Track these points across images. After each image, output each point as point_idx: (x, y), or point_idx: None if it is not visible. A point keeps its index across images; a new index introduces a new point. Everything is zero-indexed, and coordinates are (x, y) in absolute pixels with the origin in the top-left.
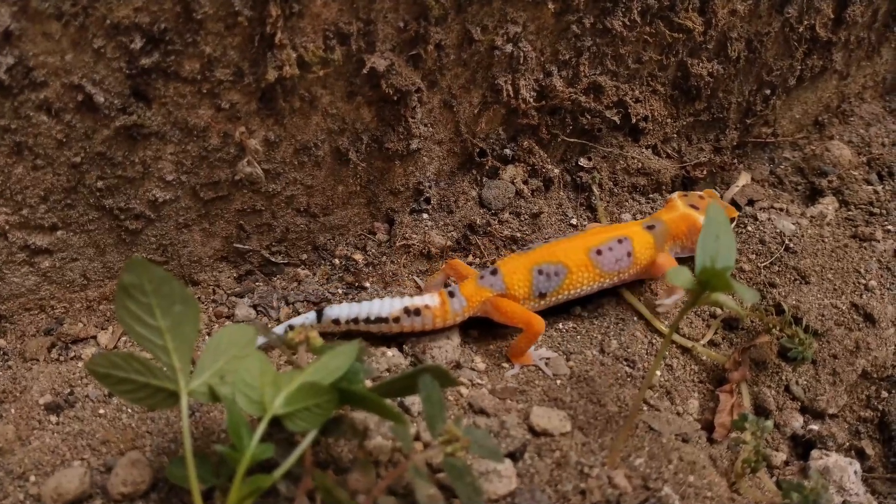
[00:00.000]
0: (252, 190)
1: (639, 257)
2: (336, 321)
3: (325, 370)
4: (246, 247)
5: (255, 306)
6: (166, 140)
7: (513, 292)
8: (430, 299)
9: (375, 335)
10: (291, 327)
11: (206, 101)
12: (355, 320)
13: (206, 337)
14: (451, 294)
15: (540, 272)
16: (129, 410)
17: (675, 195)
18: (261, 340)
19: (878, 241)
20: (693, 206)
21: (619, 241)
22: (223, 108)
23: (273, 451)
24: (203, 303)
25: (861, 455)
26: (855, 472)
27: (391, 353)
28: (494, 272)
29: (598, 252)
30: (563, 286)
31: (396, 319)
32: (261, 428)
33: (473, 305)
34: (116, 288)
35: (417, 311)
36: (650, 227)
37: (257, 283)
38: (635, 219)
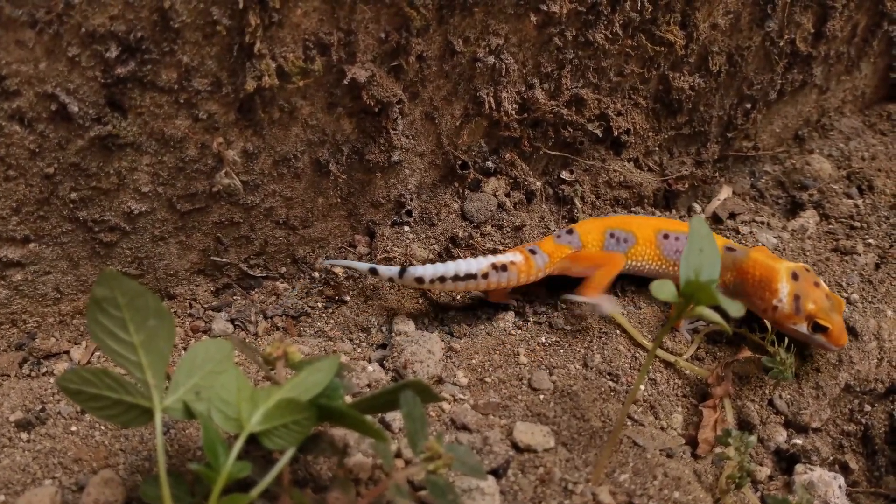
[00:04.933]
0: (230, 202)
1: None
2: (420, 279)
3: (303, 386)
4: (223, 260)
5: (232, 320)
6: (142, 151)
7: (588, 250)
8: (514, 255)
9: (452, 294)
10: (374, 271)
11: (183, 112)
12: (441, 279)
13: (182, 352)
14: (533, 252)
15: (612, 235)
16: (102, 428)
17: (802, 267)
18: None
19: (860, 255)
20: (794, 276)
21: None
22: (201, 118)
23: (250, 469)
24: (179, 317)
25: (845, 469)
26: (840, 487)
27: (371, 368)
28: (570, 231)
29: (665, 236)
30: (627, 254)
31: (485, 275)
32: (237, 445)
33: (554, 262)
34: (88, 302)
35: (504, 267)
36: (729, 249)
37: (235, 297)
38: None
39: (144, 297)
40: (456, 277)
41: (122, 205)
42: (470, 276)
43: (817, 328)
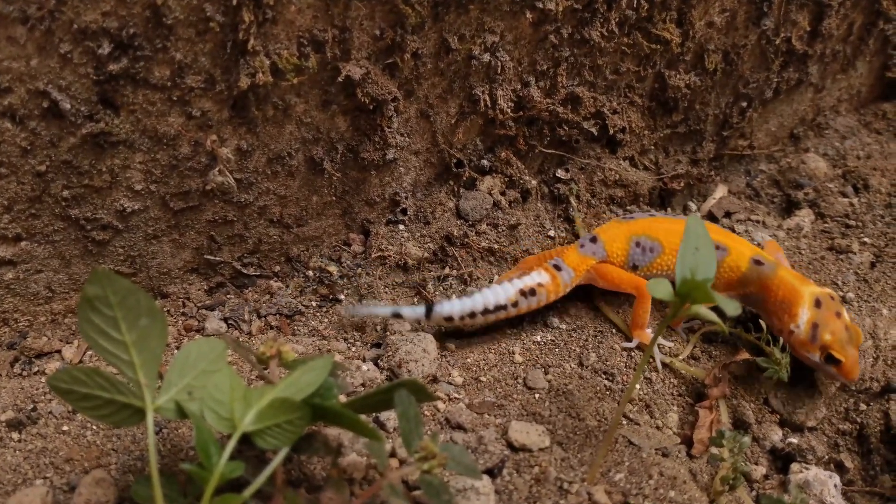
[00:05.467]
0: (224, 200)
1: (721, 272)
2: (449, 318)
3: (297, 385)
4: (217, 258)
5: (226, 319)
6: (135, 148)
7: (612, 259)
8: (540, 276)
9: (483, 325)
10: (398, 315)
11: (176, 109)
12: (471, 314)
13: (175, 351)
14: (557, 267)
15: (637, 244)
16: (94, 427)
17: (828, 294)
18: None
19: (855, 253)
20: (817, 303)
21: (717, 247)
22: (194, 115)
23: (243, 469)
24: (172, 316)
25: (840, 468)
26: (835, 486)
27: (366, 367)
28: (594, 239)
29: None
30: (654, 264)
31: (515, 304)
32: (230, 445)
33: (580, 274)
34: (79, 300)
35: (533, 291)
36: (757, 262)
37: (228, 296)
38: None
39: (136, 296)
40: (486, 311)
41: (115, 203)
42: (500, 308)
43: (830, 360)
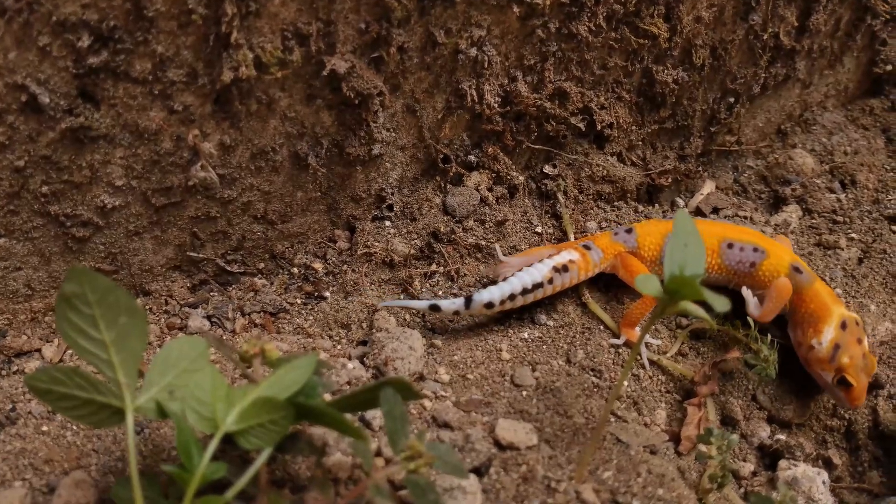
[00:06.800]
0: (206, 196)
1: (758, 275)
2: (489, 304)
3: (280, 384)
4: (200, 255)
5: (209, 317)
6: (115, 143)
7: (643, 252)
8: (571, 254)
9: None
10: (436, 307)
11: (157, 103)
12: (511, 297)
13: (158, 350)
14: (588, 247)
15: None
16: (74, 428)
17: (854, 318)
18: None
19: (843, 249)
20: (843, 325)
21: (755, 249)
22: (176, 110)
23: (226, 469)
24: (155, 314)
25: (828, 464)
26: (823, 482)
27: (351, 365)
28: (629, 231)
29: (730, 245)
30: None
31: (550, 280)
32: (212, 446)
33: (608, 257)
34: (57, 298)
35: (565, 268)
36: (796, 269)
37: (212, 294)
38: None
39: (115, 294)
40: (525, 291)
41: (95, 199)
42: (537, 286)
43: (842, 382)
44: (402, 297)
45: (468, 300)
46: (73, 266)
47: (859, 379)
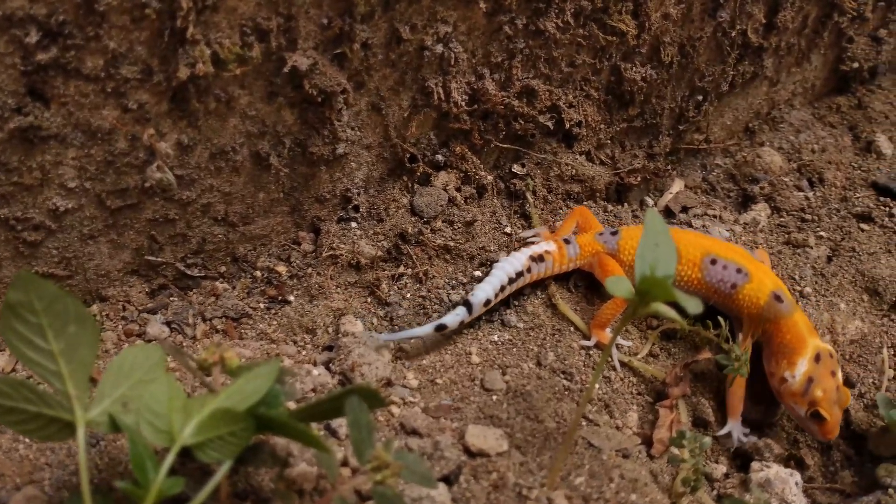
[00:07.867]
0: (164, 197)
1: (738, 298)
2: (487, 302)
3: (240, 394)
4: (159, 259)
5: (168, 323)
6: (67, 143)
7: (622, 256)
8: (548, 245)
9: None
10: (443, 327)
11: (111, 101)
12: (502, 289)
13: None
14: (567, 241)
15: None
16: (27, 441)
17: (828, 350)
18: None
19: (811, 248)
20: (817, 358)
21: (738, 270)
22: (130, 108)
23: (183, 484)
24: (112, 320)
25: (801, 465)
26: (796, 483)
27: (317, 371)
28: (614, 233)
29: (713, 261)
30: None
31: (529, 269)
32: (168, 460)
33: (584, 255)
34: (2, 306)
35: (541, 258)
36: (777, 298)
37: (172, 299)
38: None
39: (64, 301)
40: (511, 281)
41: (47, 201)
42: (519, 275)
43: (815, 416)
44: (368, 301)
45: (468, 306)
46: (19, 272)
47: (832, 412)
